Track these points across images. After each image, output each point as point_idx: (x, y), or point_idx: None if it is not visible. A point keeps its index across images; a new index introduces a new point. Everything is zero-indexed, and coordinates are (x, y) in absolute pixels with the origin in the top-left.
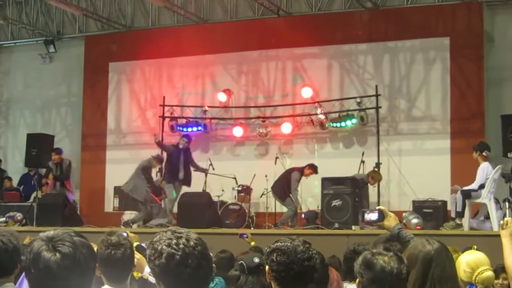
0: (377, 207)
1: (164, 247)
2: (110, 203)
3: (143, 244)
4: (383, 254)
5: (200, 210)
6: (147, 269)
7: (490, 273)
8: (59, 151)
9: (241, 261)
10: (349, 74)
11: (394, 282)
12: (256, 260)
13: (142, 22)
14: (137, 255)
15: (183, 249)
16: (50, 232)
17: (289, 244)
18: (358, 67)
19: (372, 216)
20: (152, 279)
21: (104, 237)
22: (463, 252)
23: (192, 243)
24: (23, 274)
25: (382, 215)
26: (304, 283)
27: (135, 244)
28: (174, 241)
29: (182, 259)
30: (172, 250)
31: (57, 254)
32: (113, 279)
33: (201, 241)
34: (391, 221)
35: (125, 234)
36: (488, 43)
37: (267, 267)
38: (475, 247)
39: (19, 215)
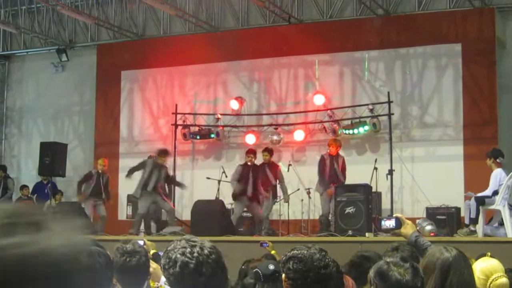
0: (394, 215)
1: (178, 255)
2: (124, 211)
3: (160, 253)
4: (399, 266)
5: (213, 218)
6: (163, 279)
7: (504, 280)
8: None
9: (256, 269)
10: (361, 81)
11: None
12: (271, 267)
13: (154, 31)
14: (153, 265)
15: (197, 258)
16: None
17: (305, 252)
18: (370, 74)
19: (389, 223)
20: None
21: (119, 245)
22: (476, 259)
23: (206, 251)
24: None
25: (399, 223)
26: None
27: (152, 252)
28: (188, 249)
29: (196, 268)
30: (186, 259)
31: None
32: (128, 286)
33: (215, 249)
34: (408, 229)
35: (141, 242)
36: (500, 49)
37: (283, 275)
38: (489, 254)
39: None
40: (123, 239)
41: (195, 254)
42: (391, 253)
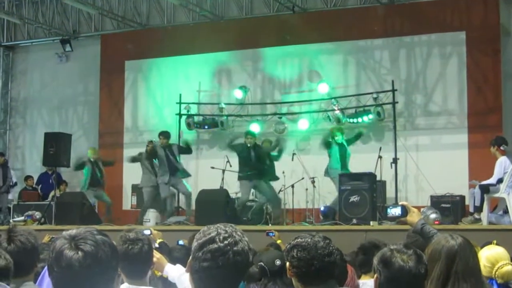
0: (399, 203)
1: (213, 231)
2: (128, 201)
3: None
4: (402, 252)
5: (218, 207)
6: (166, 268)
7: (510, 268)
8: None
9: (262, 265)
10: (365, 70)
11: (412, 282)
12: (278, 262)
13: (158, 20)
14: (157, 255)
15: (225, 245)
16: (73, 230)
17: (309, 240)
18: (374, 62)
19: (395, 211)
20: (172, 279)
21: (122, 233)
22: (482, 247)
23: (236, 248)
24: (42, 272)
25: (405, 211)
26: (325, 279)
27: (158, 241)
28: (226, 235)
29: (215, 252)
30: (217, 238)
31: (79, 253)
32: (131, 274)
33: (246, 254)
34: (414, 217)
35: (148, 232)
36: (504, 37)
37: (287, 263)
38: (495, 241)
39: (37, 214)
40: (127, 228)
41: (226, 242)
42: (413, 235)
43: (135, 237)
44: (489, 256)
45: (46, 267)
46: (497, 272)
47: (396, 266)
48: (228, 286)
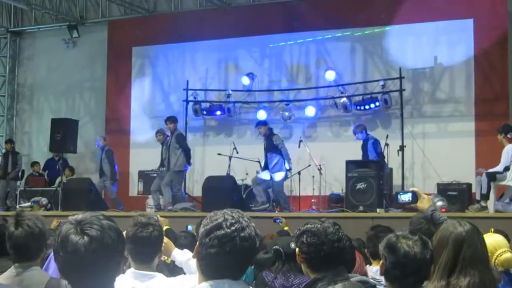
0: (410, 189)
1: (220, 217)
2: (135, 187)
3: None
4: (408, 238)
5: (225, 194)
6: (174, 253)
7: (509, 255)
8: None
9: (278, 247)
10: (372, 57)
11: (417, 267)
12: (293, 245)
13: (165, 6)
14: (165, 239)
15: (232, 231)
16: (79, 215)
17: (319, 225)
18: (381, 49)
19: (406, 197)
20: (179, 264)
21: (135, 216)
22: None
23: (243, 234)
24: (49, 257)
25: (415, 197)
26: (334, 264)
27: (165, 228)
28: (233, 221)
29: (223, 237)
30: (223, 224)
31: (85, 237)
32: (137, 258)
33: (254, 239)
34: (425, 203)
35: (155, 218)
36: None
37: (297, 249)
38: (492, 229)
39: (44, 200)
40: (140, 213)
41: (233, 228)
42: (417, 222)
43: (147, 222)
44: (488, 244)
45: (52, 252)
46: (496, 260)
47: (401, 251)
48: (235, 272)
